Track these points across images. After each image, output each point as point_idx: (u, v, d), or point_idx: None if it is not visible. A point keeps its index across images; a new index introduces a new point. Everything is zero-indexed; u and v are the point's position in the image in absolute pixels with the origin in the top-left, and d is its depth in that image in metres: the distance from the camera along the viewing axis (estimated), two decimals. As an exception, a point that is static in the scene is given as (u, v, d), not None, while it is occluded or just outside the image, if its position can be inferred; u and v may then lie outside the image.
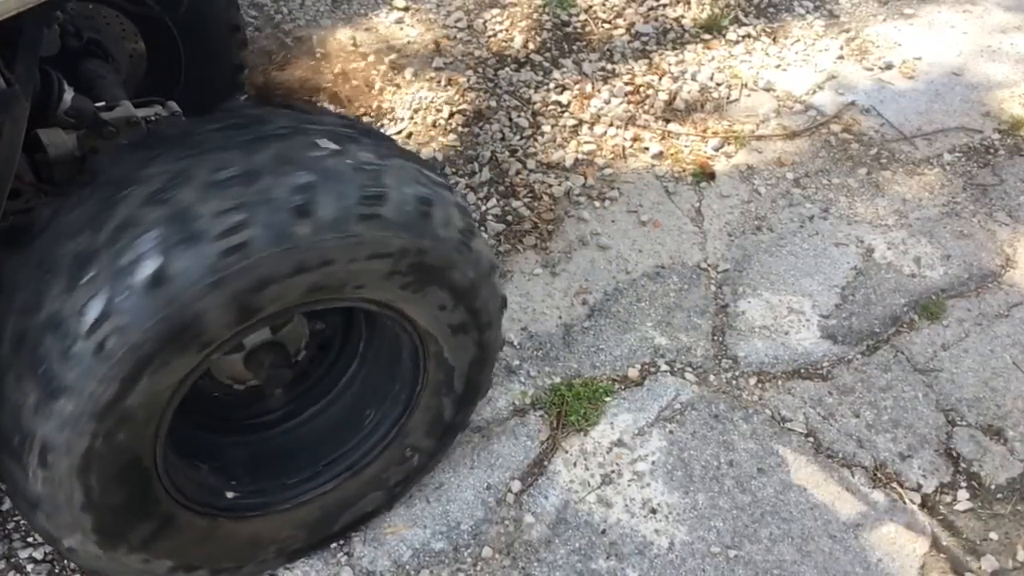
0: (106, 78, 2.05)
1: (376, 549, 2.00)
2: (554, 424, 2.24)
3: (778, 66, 3.27)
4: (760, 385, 2.36)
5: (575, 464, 2.18)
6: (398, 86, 3.05)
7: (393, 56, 3.14)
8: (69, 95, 1.67)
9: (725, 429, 2.26)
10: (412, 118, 2.96)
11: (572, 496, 2.12)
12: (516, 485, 2.13)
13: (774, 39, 3.38)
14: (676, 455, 2.20)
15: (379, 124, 2.95)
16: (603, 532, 2.06)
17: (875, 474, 2.21)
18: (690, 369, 2.37)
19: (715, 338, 2.45)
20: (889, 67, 3.31)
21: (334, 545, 1.99)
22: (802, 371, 2.39)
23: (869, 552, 2.08)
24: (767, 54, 3.31)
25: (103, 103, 1.82)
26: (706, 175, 2.85)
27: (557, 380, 2.33)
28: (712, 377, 2.37)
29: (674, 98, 3.07)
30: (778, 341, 2.45)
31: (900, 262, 2.67)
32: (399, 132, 2.92)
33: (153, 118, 1.82)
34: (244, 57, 2.56)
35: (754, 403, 2.32)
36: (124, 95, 2.01)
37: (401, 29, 3.26)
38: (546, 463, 2.18)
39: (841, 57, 3.34)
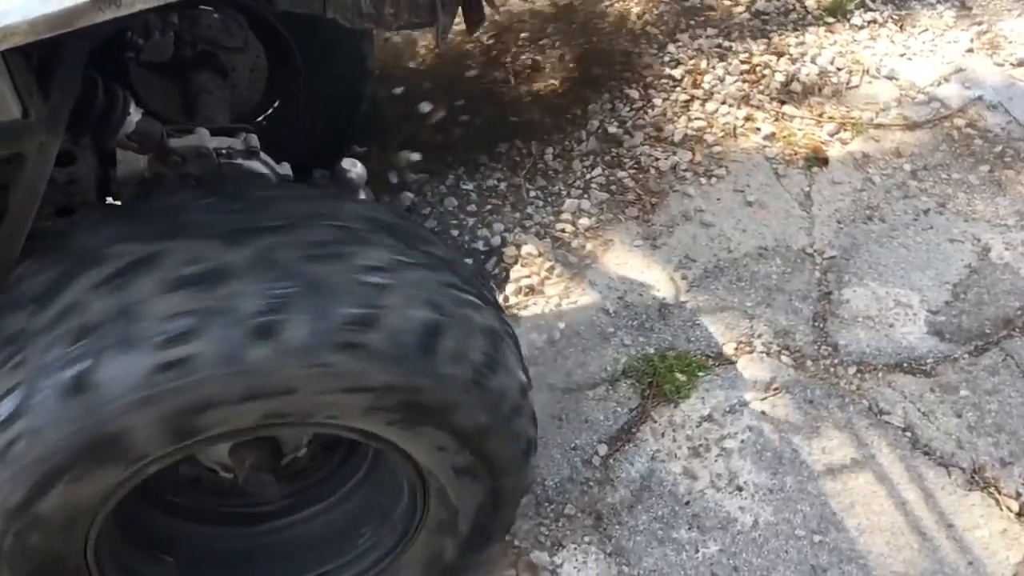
0: (211, 93, 1.97)
1: (461, 496, 2.04)
2: (645, 393, 2.24)
3: (903, 55, 3.16)
4: (859, 375, 2.30)
5: (663, 435, 2.18)
6: (513, 52, 3.07)
7: (514, 18, 3.16)
8: (136, 117, 1.55)
9: (819, 415, 2.22)
10: (518, 81, 2.98)
11: (658, 465, 2.12)
12: (603, 449, 2.14)
13: (901, 27, 3.27)
14: (767, 436, 2.18)
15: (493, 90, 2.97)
16: (687, 503, 2.06)
17: (972, 477, 2.14)
18: (787, 352, 2.34)
19: (816, 324, 2.40)
20: (1021, 64, 3.16)
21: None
22: (905, 365, 2.33)
23: (959, 555, 2.02)
24: (892, 42, 3.20)
25: (177, 127, 1.69)
26: (819, 160, 2.79)
27: (651, 351, 2.33)
28: (810, 363, 2.32)
29: (791, 80, 3.00)
30: (882, 333, 2.39)
31: (1018, 264, 2.56)
32: (504, 99, 2.94)
33: (225, 151, 1.67)
34: (368, 88, 2.46)
35: (852, 392, 2.27)
36: (225, 114, 1.93)
37: (519, -6, 3.28)
38: (634, 430, 2.18)
39: (971, 50, 3.21)
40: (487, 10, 1.56)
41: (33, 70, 1.24)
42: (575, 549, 1.98)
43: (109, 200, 1.67)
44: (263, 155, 1.70)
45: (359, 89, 2.45)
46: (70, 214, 1.60)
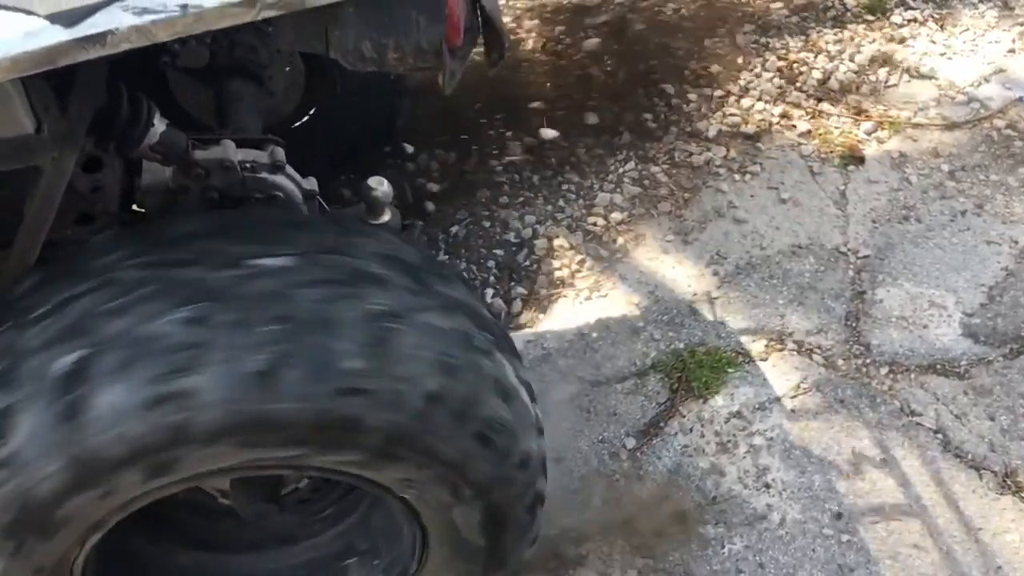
0: (243, 101, 1.95)
1: (489, 484, 2.06)
2: (674, 388, 2.24)
3: (943, 54, 3.12)
4: (891, 376, 2.29)
5: (691, 430, 2.18)
6: (545, 47, 3.08)
7: (548, 13, 3.16)
8: (160, 128, 1.52)
9: (850, 415, 2.21)
10: (552, 75, 2.98)
11: (685, 460, 2.12)
12: (630, 442, 2.15)
13: (941, 26, 3.23)
14: (796, 434, 2.17)
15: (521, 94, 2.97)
16: (714, 499, 2.05)
17: (1004, 480, 2.12)
18: (819, 351, 2.32)
19: (848, 323, 2.38)
20: (1065, 65, 3.11)
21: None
22: (938, 367, 2.31)
23: (990, 558, 2.00)
24: (933, 41, 3.16)
25: (204, 136, 1.65)
26: (855, 159, 2.76)
27: (680, 346, 2.32)
28: (841, 362, 2.31)
29: (829, 77, 2.98)
30: (915, 334, 2.36)
31: (1056, 268, 2.53)
32: (545, 102, 2.94)
33: (249, 164, 1.64)
34: (404, 99, 2.46)
35: (883, 392, 2.25)
36: (257, 123, 1.91)
37: (555, -13, 3.28)
38: (662, 424, 2.18)
39: (1012, 51, 3.16)
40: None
41: (51, 84, 1.23)
42: (601, 541, 1.98)
43: (134, 208, 1.65)
44: (289, 169, 1.67)
45: (396, 99, 2.46)
46: (91, 223, 1.58)
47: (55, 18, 1.04)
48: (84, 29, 1.04)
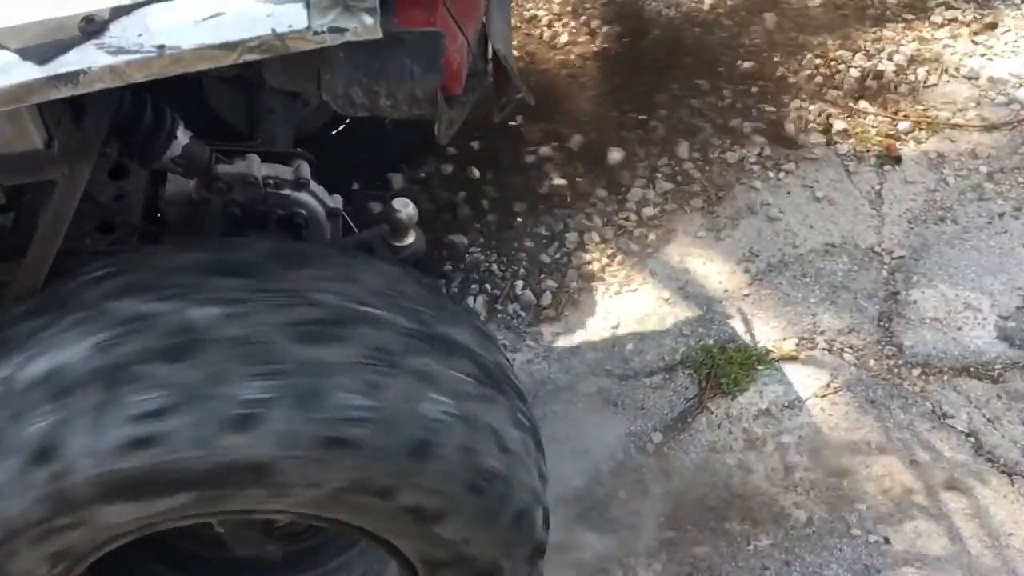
0: (274, 112, 1.93)
1: (515, 474, 2.07)
2: (702, 384, 2.24)
3: (984, 55, 3.08)
4: (924, 377, 2.26)
5: (719, 426, 2.17)
6: (581, 40, 3.07)
7: (584, 5, 3.16)
8: (183, 140, 1.49)
9: (880, 415, 2.19)
10: (594, 72, 2.98)
11: (712, 456, 2.12)
12: (657, 436, 2.15)
13: (983, 26, 3.18)
14: (825, 433, 2.16)
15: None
16: (740, 495, 2.05)
17: (1037, 487, 2.09)
18: (850, 351, 2.31)
19: (881, 324, 2.36)
20: (1110, 68, 3.06)
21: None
22: (971, 369, 2.28)
23: (1019, 564, 1.98)
24: (974, 41, 3.11)
25: (230, 149, 1.63)
26: (891, 158, 2.73)
27: (710, 342, 2.32)
28: (873, 362, 2.29)
29: (867, 76, 2.95)
30: (949, 336, 2.34)
31: (1096, 273, 2.49)
32: (577, 94, 2.93)
33: (272, 180, 1.61)
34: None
35: (915, 394, 2.23)
36: (287, 134, 1.89)
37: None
38: (690, 420, 2.18)
39: (1056, 52, 3.11)
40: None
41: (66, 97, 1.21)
42: (626, 533, 1.99)
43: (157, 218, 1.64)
44: (314, 186, 1.66)
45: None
46: (111, 232, 1.58)
47: (27, 53, 1.01)
48: (56, 67, 1.01)
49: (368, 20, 1.05)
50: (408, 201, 1.64)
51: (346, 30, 1.06)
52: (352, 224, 1.78)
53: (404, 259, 1.70)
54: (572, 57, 3.06)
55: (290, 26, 1.05)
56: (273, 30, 1.05)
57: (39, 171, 1.22)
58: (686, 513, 2.02)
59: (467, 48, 1.28)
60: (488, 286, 2.44)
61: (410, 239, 1.66)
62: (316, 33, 1.06)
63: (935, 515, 2.04)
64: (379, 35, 1.06)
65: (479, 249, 2.53)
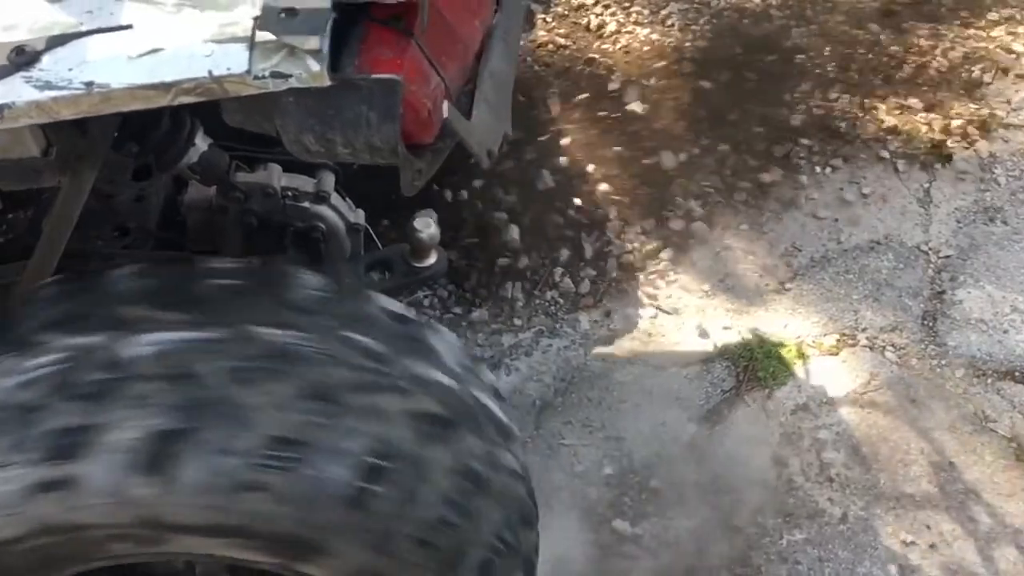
0: None
1: (549, 459, 2.07)
2: (740, 376, 2.22)
3: (1042, 54, 3.01)
4: (967, 379, 2.23)
5: (755, 420, 2.16)
6: (629, 30, 3.06)
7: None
8: (201, 147, 1.45)
9: (921, 415, 2.16)
10: (640, 63, 2.96)
11: (747, 449, 2.10)
12: (692, 427, 2.14)
13: (1041, 25, 3.11)
14: (863, 431, 2.13)
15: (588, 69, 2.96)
16: (775, 489, 2.04)
17: (1080, 495, 2.05)
18: (892, 349, 2.27)
19: (925, 323, 2.33)
20: None
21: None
22: (1016, 373, 2.24)
23: (1060, 572, 1.94)
24: (1031, 40, 3.05)
25: (253, 156, 1.59)
26: (942, 156, 2.69)
27: (749, 335, 2.30)
28: (915, 361, 2.26)
29: (920, 73, 2.90)
30: (995, 338, 2.30)
31: None
32: (624, 80, 2.92)
33: (291, 192, 1.57)
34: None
35: (957, 395, 2.20)
36: None
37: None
38: (725, 412, 2.17)
39: (1116, 53, 3.03)
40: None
41: None
42: (657, 521, 1.98)
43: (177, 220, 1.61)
44: (335, 199, 1.62)
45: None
46: (126, 235, 1.56)
47: None
48: None
49: (314, 66, 0.97)
50: (431, 221, 1.61)
51: (290, 76, 0.98)
52: (376, 239, 1.74)
53: (424, 280, 1.68)
54: (617, 47, 3.04)
55: (228, 69, 0.98)
56: (210, 72, 0.98)
57: (36, 178, 1.18)
58: (719, 504, 2.01)
59: (444, 92, 1.16)
60: (528, 272, 2.44)
61: (431, 259, 1.63)
62: (257, 78, 0.98)
63: (973, 519, 2.01)
64: (327, 82, 0.99)
65: (518, 238, 2.52)
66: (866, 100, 2.83)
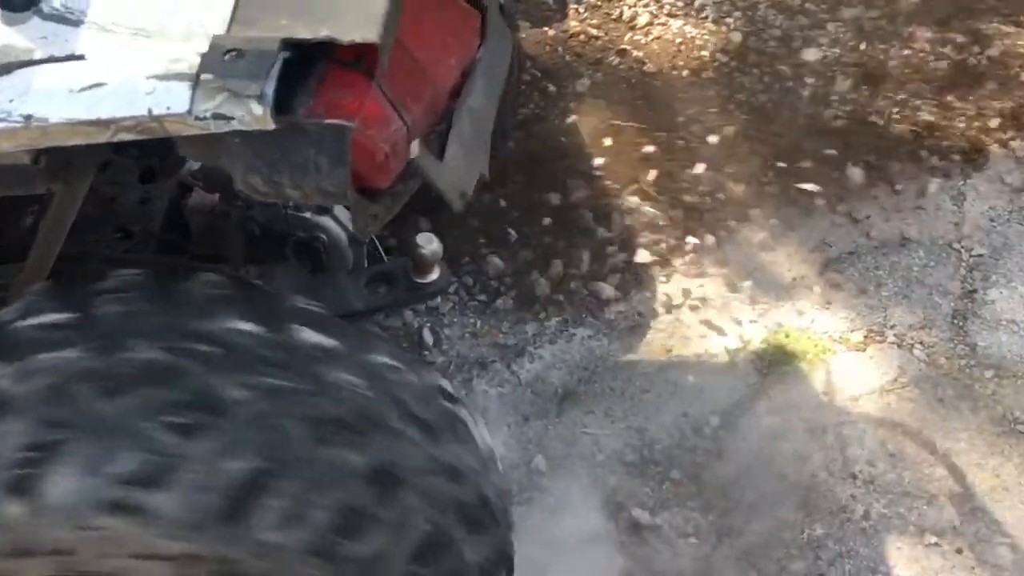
0: None
1: (570, 447, 2.07)
2: (765, 370, 2.21)
3: (1084, 53, 2.95)
4: (997, 380, 2.19)
5: (779, 413, 2.14)
6: (662, 22, 3.04)
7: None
8: None
9: (948, 415, 2.13)
10: (672, 55, 2.95)
11: (770, 443, 2.09)
12: (715, 420, 2.13)
13: (1084, 23, 3.05)
14: (889, 429, 2.11)
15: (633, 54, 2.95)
16: (796, 484, 2.03)
17: (1110, 501, 2.01)
18: (920, 347, 2.25)
19: (955, 322, 2.30)
20: None
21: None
22: (1048, 375, 2.20)
23: (1087, 578, 1.91)
24: (1073, 38, 2.99)
25: None
26: (978, 154, 2.65)
27: (776, 329, 2.28)
28: (944, 360, 2.23)
29: (957, 68, 2.85)
30: (1027, 340, 2.26)
31: None
32: (653, 68, 2.91)
33: (292, 204, 1.55)
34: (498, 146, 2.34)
35: (986, 396, 2.17)
36: None
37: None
38: (748, 405, 2.16)
39: None
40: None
41: None
42: (677, 512, 1.98)
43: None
44: (339, 210, 1.59)
45: (497, 140, 2.35)
46: (129, 237, 1.56)
47: None
48: None
49: (257, 110, 0.94)
50: (433, 237, 1.59)
51: (232, 118, 0.95)
52: (381, 252, 1.75)
53: (425, 296, 1.67)
54: (650, 38, 3.03)
55: (168, 108, 0.95)
56: (149, 111, 0.96)
57: (28, 185, 1.16)
58: (739, 497, 2.00)
59: (406, 135, 1.12)
60: (557, 261, 2.43)
61: (434, 275, 1.61)
62: (198, 119, 0.96)
63: (999, 522, 1.98)
64: (271, 126, 0.96)
65: (550, 221, 2.52)
66: (902, 95, 2.80)
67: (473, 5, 1.32)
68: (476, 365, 2.24)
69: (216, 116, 0.95)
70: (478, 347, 2.28)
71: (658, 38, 3.01)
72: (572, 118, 2.79)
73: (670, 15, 3.06)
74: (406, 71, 1.14)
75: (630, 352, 2.26)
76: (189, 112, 0.96)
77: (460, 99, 1.25)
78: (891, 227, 2.49)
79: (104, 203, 1.52)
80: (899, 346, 2.25)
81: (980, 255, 2.43)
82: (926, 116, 2.75)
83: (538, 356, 2.26)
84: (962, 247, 2.44)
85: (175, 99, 0.96)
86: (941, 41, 2.95)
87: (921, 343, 2.26)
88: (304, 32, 0.97)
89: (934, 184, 2.58)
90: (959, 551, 1.93)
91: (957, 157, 2.65)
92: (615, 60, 2.95)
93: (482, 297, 2.37)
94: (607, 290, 2.39)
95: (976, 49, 2.93)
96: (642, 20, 3.06)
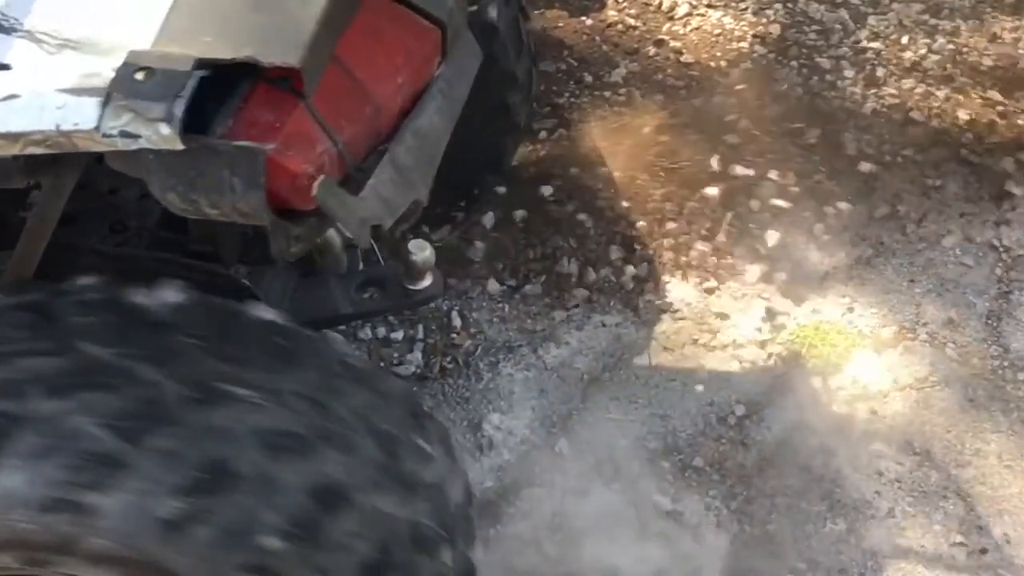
0: None
1: (593, 432, 2.08)
2: (792, 363, 2.19)
3: None
4: (1030, 381, 2.16)
5: (806, 406, 2.13)
6: (701, 12, 3.02)
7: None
8: None
9: (979, 416, 2.10)
10: (710, 46, 2.93)
11: (795, 435, 2.08)
12: (740, 409, 2.12)
13: None
14: (917, 427, 2.09)
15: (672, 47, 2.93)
16: (820, 477, 2.01)
17: None
18: (953, 346, 2.22)
19: (989, 322, 2.26)
20: None
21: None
22: (1082, 379, 2.16)
23: (1115, 584, 1.88)
24: (1123, 38, 2.93)
25: None
26: (1020, 151, 2.60)
27: (806, 322, 2.27)
28: (976, 360, 2.20)
29: (1001, 65, 2.80)
30: (1062, 342, 2.22)
31: None
32: (692, 58, 2.89)
33: None
34: (510, 142, 2.34)
35: (1018, 399, 2.13)
36: None
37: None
38: (775, 396, 2.14)
39: None
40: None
41: None
42: (698, 500, 1.97)
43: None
44: None
45: (501, 139, 2.32)
46: (123, 231, 1.56)
47: None
48: None
49: (164, 130, 0.94)
50: (425, 244, 1.57)
51: (139, 136, 0.94)
52: (380, 256, 1.72)
53: (417, 303, 1.65)
54: (688, 29, 3.01)
55: (76, 124, 0.94)
56: (57, 126, 0.95)
57: (7, 180, 1.15)
58: (761, 487, 1.99)
59: (335, 156, 1.09)
60: (587, 248, 2.43)
61: (425, 282, 1.59)
62: (106, 136, 0.94)
63: (1027, 524, 1.95)
64: (179, 146, 0.95)
65: (580, 209, 2.51)
66: (943, 91, 2.75)
67: (434, 22, 1.28)
68: (503, 349, 2.25)
69: (123, 134, 0.95)
70: (506, 331, 2.28)
71: (697, 29, 2.99)
72: (607, 107, 2.78)
73: (710, 6, 3.04)
74: (343, 90, 1.12)
75: (657, 341, 2.26)
76: (97, 129, 0.95)
77: (406, 120, 1.21)
78: (928, 223, 2.46)
79: (103, 197, 1.53)
80: (931, 344, 2.22)
81: (1019, 255, 2.39)
82: (969, 112, 2.70)
83: (564, 342, 2.27)
84: (1000, 247, 2.41)
85: (84, 115, 0.95)
86: (986, 35, 2.90)
87: (954, 342, 2.23)
88: (225, 52, 0.96)
89: (974, 180, 2.55)
90: (984, 551, 1.91)
91: (999, 153, 2.61)
92: (652, 50, 2.93)
93: (512, 282, 2.38)
94: (636, 278, 2.38)
95: (1021, 45, 2.87)
96: (681, 10, 3.04)
